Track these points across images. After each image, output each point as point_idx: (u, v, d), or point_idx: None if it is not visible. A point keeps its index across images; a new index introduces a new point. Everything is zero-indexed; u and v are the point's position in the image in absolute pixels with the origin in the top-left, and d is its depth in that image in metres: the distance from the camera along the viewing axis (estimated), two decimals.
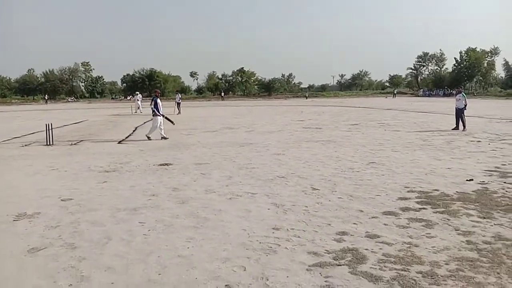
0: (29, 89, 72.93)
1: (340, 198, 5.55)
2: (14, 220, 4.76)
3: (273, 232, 4.25)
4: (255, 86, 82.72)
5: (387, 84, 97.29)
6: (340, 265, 3.42)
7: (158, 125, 12.72)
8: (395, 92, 65.33)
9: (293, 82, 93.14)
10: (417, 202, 5.25)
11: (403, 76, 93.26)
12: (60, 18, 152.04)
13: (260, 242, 3.97)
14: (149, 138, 12.55)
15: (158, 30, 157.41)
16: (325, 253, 3.69)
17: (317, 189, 6.04)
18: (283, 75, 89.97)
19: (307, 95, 67.59)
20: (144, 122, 19.59)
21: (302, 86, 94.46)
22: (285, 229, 4.34)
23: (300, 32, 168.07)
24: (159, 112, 12.77)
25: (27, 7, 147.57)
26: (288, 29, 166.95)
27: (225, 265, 3.47)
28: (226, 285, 3.12)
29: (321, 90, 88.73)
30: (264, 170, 7.55)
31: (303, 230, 4.30)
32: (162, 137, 12.58)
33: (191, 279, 3.23)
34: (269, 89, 79.55)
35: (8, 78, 74.14)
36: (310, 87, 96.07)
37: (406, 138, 12.06)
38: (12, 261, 3.62)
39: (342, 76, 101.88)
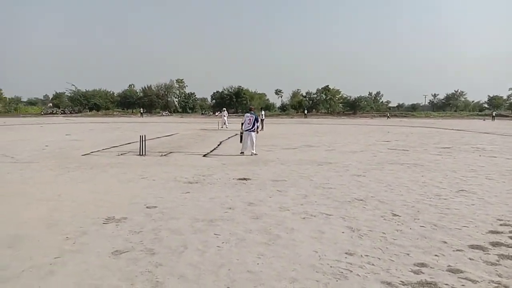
0: (129, 102, 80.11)
1: (422, 226, 5.20)
2: (103, 223, 5.25)
3: (345, 257, 4.12)
4: (340, 104, 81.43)
5: (486, 105, 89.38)
6: None
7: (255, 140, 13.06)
8: (494, 115, 59.60)
9: (380, 100, 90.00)
10: (511, 237, 4.71)
11: (504, 97, 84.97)
12: (160, 38, 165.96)
13: (331, 266, 3.88)
14: (255, 154, 12.85)
15: (246, 49, 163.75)
16: (400, 284, 3.48)
17: (398, 216, 5.73)
18: (370, 93, 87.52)
19: (388, 115, 64.42)
20: (229, 137, 20.36)
21: (390, 105, 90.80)
22: (359, 255, 4.18)
23: (389, 49, 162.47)
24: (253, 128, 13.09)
25: (132, 30, 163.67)
26: (375, 46, 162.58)
27: (292, 286, 3.45)
28: None
29: (411, 110, 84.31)
30: (341, 191, 7.37)
31: (379, 258, 4.10)
32: (252, 153, 12.90)
33: None
34: (354, 107, 77.80)
35: (112, 92, 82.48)
36: (399, 106, 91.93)
37: (503, 165, 10.90)
38: (98, 260, 3.98)
39: (435, 95, 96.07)
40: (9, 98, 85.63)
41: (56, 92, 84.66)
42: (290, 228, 5.10)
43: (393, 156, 12.90)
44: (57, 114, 66.93)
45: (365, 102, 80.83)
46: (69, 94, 77.85)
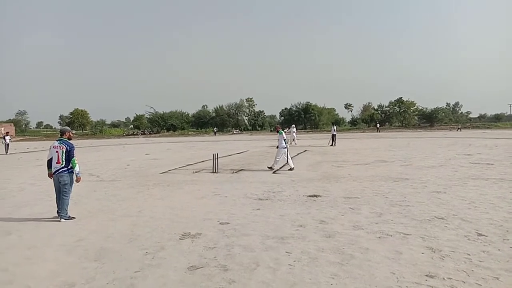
0: (202, 122, 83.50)
1: None
2: (180, 239, 5.46)
3: (426, 280, 3.84)
4: (415, 117, 77.41)
5: None
6: None
7: (287, 155, 13.45)
8: None
9: (459, 111, 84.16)
10: None
11: None
12: (227, 61, 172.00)
13: None
14: (272, 168, 13.42)
15: (314, 65, 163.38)
16: None
17: (484, 235, 5.24)
18: (447, 104, 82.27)
19: (460, 127, 59.19)
20: (298, 154, 20.28)
21: (470, 116, 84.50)
22: (441, 277, 3.88)
23: (466, 56, 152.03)
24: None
25: (201, 55, 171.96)
26: (450, 55, 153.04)
27: None
28: None
29: (494, 121, 77.61)
30: (420, 209, 6.94)
31: (463, 281, 3.77)
32: (290, 168, 13.29)
33: None
34: (431, 119, 73.41)
35: (186, 113, 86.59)
36: (481, 117, 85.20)
37: None
38: (175, 275, 4.14)
39: None
40: (95, 121, 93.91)
41: (136, 115, 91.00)
42: (364, 248, 4.90)
43: (476, 170, 11.91)
44: (138, 135, 71.70)
45: (443, 114, 75.93)
46: (148, 116, 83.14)
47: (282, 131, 14.12)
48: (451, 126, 66.31)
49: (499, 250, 4.65)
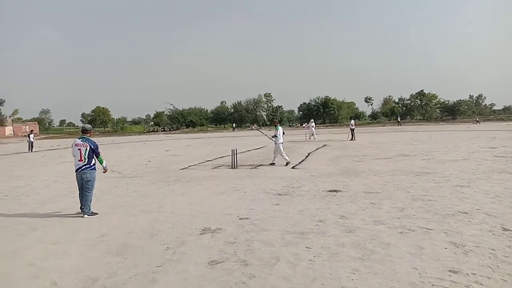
0: (221, 118, 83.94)
1: None
2: (200, 234, 5.51)
3: (449, 275, 3.77)
4: (437, 110, 75.80)
5: None
6: None
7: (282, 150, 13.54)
8: None
9: (483, 103, 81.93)
10: None
11: None
12: (245, 57, 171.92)
13: (432, 285, 3.58)
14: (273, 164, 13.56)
15: (332, 59, 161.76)
16: None
17: (509, 230, 5.10)
18: (471, 96, 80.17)
19: (477, 119, 57.43)
20: (317, 148, 20.17)
21: (495, 108, 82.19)
22: (465, 273, 3.80)
23: (489, 48, 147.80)
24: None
25: (219, 51, 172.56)
26: (474, 47, 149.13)
27: None
28: None
29: None
30: (442, 204, 6.80)
31: (488, 277, 3.69)
32: (287, 163, 13.39)
33: None
34: (453, 112, 71.73)
35: (205, 109, 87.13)
36: (506, 109, 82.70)
37: None
38: (196, 270, 4.18)
39: None
40: (116, 119, 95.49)
41: (156, 112, 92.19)
42: (386, 243, 4.83)
43: (501, 164, 11.58)
44: (158, 132, 72.66)
45: (466, 106, 74.06)
46: (168, 113, 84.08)
47: (279, 126, 13.99)
48: (474, 119, 64.68)
49: None
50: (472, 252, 4.38)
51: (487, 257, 4.21)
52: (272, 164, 13.62)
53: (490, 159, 12.80)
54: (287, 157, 13.56)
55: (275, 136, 13.69)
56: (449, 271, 3.87)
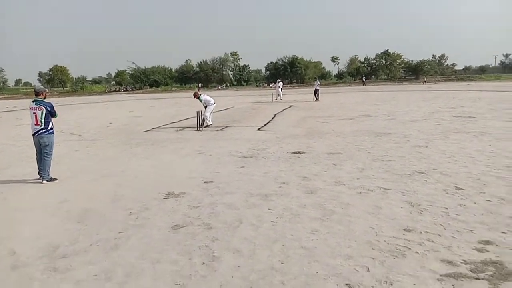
0: (186, 78, 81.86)
1: (488, 201, 4.85)
2: (164, 198, 5.48)
3: (403, 234, 3.96)
4: (401, 70, 77.21)
5: None
6: (479, 279, 3.03)
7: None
8: None
9: (445, 63, 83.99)
10: None
11: None
12: (212, 12, 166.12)
13: (388, 243, 3.76)
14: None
15: (299, 18, 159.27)
16: (461, 263, 3.29)
17: (462, 189, 5.39)
18: (433, 56, 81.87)
19: (425, 79, 59.39)
20: (283, 109, 20.23)
21: (456, 68, 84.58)
22: (418, 231, 4.01)
23: (453, 6, 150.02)
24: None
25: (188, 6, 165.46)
26: (437, 4, 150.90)
27: (347, 263, 3.40)
28: (346, 284, 3.05)
29: (479, 73, 77.84)
30: (401, 164, 7.06)
31: (439, 234, 3.90)
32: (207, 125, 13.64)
33: (311, 272, 3.26)
34: (416, 72, 73.30)
35: (170, 68, 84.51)
36: (466, 69, 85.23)
37: None
38: (159, 235, 4.18)
39: (506, 56, 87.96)
40: (75, 78, 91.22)
41: (118, 70, 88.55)
42: (345, 203, 4.99)
43: (458, 124, 12.08)
44: (120, 91, 70.25)
45: (429, 66, 75.71)
46: (130, 72, 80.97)
47: (201, 96, 14.01)
48: (436, 79, 66.51)
49: (475, 203, 4.79)
50: (426, 211, 4.60)
51: (440, 215, 4.44)
52: (207, 126, 13.64)
53: (448, 119, 13.30)
54: (209, 120, 13.81)
55: (205, 106, 13.84)
56: (404, 229, 4.07)
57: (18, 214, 5.06)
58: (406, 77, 74.08)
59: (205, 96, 14.07)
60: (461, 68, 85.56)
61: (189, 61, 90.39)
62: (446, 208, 4.64)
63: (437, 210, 4.60)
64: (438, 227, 4.09)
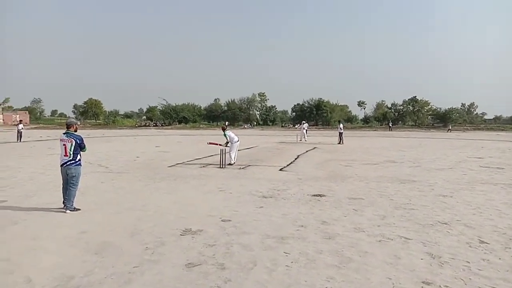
0: (214, 116, 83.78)
1: None
2: (181, 235, 5.52)
3: (422, 287, 3.83)
4: (429, 117, 76.49)
5: None
6: None
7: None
8: None
9: (474, 112, 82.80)
10: None
11: None
12: (244, 53, 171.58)
13: None
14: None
15: (327, 62, 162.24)
16: None
17: (486, 243, 5.19)
18: (462, 105, 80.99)
19: (450, 128, 58.72)
20: (307, 151, 20.24)
21: (486, 117, 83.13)
22: (437, 285, 3.86)
23: (483, 56, 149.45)
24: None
25: (217, 47, 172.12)
26: (468, 53, 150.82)
27: None
28: None
29: (510, 123, 76.15)
30: (424, 213, 6.88)
31: None
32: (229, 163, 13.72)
33: None
34: (445, 120, 72.40)
35: (199, 106, 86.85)
36: (497, 118, 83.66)
37: None
38: (173, 272, 4.19)
39: None
40: (108, 111, 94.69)
41: (149, 106, 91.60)
42: (363, 251, 4.88)
43: (485, 174, 11.74)
44: (150, 126, 72.22)
45: (457, 114, 74.85)
46: (161, 108, 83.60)
47: (226, 132, 14.27)
48: (465, 127, 65.36)
49: (500, 259, 4.59)
50: (447, 263, 4.44)
51: (461, 269, 4.27)
52: (230, 164, 13.72)
53: (476, 169, 12.96)
54: (233, 158, 13.93)
55: (227, 142, 14.08)
56: (422, 282, 3.93)
57: (38, 243, 5.19)
58: (434, 125, 73.19)
59: (230, 132, 14.35)
60: (491, 118, 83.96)
61: (217, 100, 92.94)
62: (468, 262, 4.47)
63: (459, 264, 4.43)
64: (458, 282, 3.93)
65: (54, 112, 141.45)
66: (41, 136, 34.37)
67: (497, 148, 22.88)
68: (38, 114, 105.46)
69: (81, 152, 7.16)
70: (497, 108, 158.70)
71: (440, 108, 75.33)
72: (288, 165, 14.17)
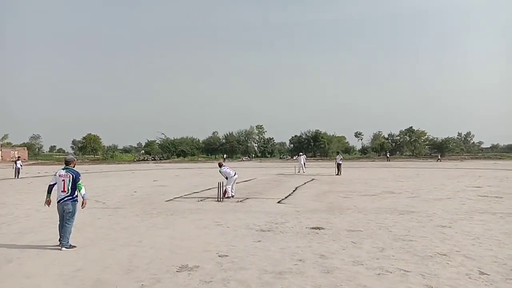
0: (212, 148, 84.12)
1: None
2: (177, 271, 5.44)
3: None
4: (426, 146, 76.93)
5: None
6: None
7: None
8: None
9: (471, 141, 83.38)
10: None
11: None
12: (240, 87, 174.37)
13: None
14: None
15: (325, 94, 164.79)
16: None
17: (486, 274, 5.13)
18: (459, 134, 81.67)
19: (439, 157, 59.55)
20: (305, 183, 20.20)
21: (483, 146, 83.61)
22: None
23: (480, 86, 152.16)
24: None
25: (215, 81, 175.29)
26: (463, 83, 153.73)
27: None
28: None
29: (507, 151, 76.56)
30: (423, 244, 6.83)
31: None
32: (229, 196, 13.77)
33: None
34: (441, 149, 72.80)
35: (197, 139, 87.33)
36: (494, 147, 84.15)
37: None
38: None
39: None
40: (107, 146, 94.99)
41: (148, 140, 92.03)
42: (362, 285, 4.82)
43: (483, 204, 11.72)
44: (148, 160, 72.20)
45: (454, 144, 75.40)
46: (159, 142, 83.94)
47: (222, 168, 14.29)
48: (462, 157, 65.66)
49: None
50: None
51: None
52: (228, 197, 13.69)
53: (474, 199, 12.94)
54: (231, 191, 13.94)
55: (226, 178, 14.05)
56: None
57: (32, 281, 5.11)
58: (432, 154, 73.49)
59: (226, 168, 14.28)
60: (488, 146, 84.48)
61: (216, 133, 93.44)
62: None
63: None
64: None
65: (52, 148, 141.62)
66: (39, 172, 34.28)
67: (495, 177, 22.91)
68: (37, 150, 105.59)
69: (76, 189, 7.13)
70: (494, 137, 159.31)
71: (437, 138, 75.99)
72: (286, 197, 14.12)
